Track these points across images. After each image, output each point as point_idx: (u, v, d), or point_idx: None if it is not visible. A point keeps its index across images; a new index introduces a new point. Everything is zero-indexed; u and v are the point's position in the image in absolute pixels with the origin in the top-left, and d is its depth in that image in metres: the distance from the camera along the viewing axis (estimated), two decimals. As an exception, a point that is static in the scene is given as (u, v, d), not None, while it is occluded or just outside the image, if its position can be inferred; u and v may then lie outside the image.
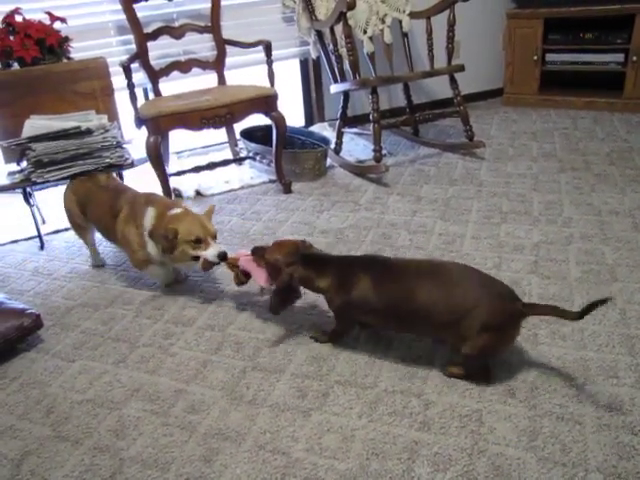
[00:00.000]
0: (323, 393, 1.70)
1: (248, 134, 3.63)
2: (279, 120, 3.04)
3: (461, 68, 3.34)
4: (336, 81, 3.53)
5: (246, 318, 2.10)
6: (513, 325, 1.61)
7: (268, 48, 3.24)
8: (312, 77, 4.11)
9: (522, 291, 2.10)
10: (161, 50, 3.40)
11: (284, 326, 2.03)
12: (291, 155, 3.27)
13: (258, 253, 1.92)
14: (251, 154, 3.53)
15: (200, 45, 3.53)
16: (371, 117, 3.15)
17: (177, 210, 2.15)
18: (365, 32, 3.74)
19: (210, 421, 1.64)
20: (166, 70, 3.34)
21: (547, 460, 1.44)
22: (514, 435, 1.51)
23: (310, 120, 4.20)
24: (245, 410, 1.67)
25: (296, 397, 1.70)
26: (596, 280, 2.14)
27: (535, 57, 4.36)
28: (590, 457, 1.44)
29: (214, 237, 2.14)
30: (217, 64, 3.46)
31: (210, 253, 2.09)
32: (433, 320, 1.63)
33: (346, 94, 3.51)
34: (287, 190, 3.16)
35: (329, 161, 3.50)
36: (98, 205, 2.40)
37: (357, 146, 3.79)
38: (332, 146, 3.55)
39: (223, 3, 3.41)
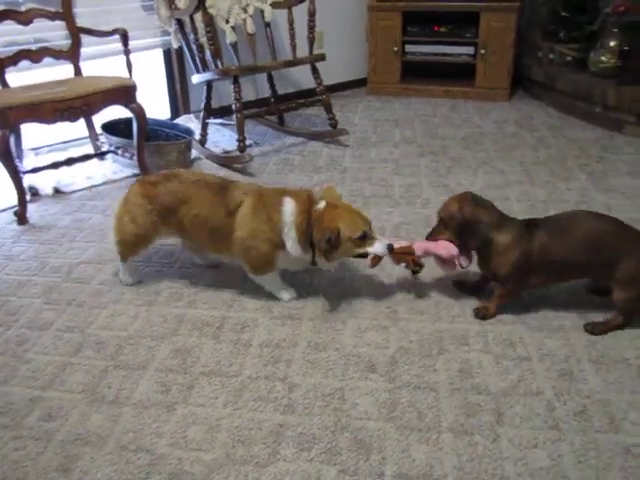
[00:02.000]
0: (188, 386, 1.68)
1: (110, 127, 3.46)
2: (139, 112, 2.93)
3: (322, 57, 3.40)
4: (198, 71, 3.46)
5: (107, 316, 2.01)
6: None
7: (125, 37, 3.11)
8: (176, 68, 4.00)
9: (383, 270, 2.19)
10: (7, 37, 3.15)
11: (147, 322, 1.97)
12: (154, 147, 3.17)
13: (432, 234, 1.95)
14: (113, 148, 3.39)
15: (52, 33, 3.31)
16: (233, 107, 3.12)
17: (322, 204, 1.91)
18: (227, 21, 3.70)
19: (69, 427, 1.56)
20: (13, 59, 3.10)
21: (405, 428, 1.51)
22: (375, 408, 1.57)
23: (175, 112, 4.09)
24: (107, 411, 1.60)
25: (160, 392, 1.66)
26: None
27: (396, 48, 4.53)
28: (443, 419, 1.53)
29: (371, 227, 1.94)
30: (72, 54, 3.27)
31: (379, 248, 1.89)
32: (598, 263, 1.80)
33: (209, 84, 3.46)
34: (152, 184, 3.06)
35: (195, 153, 3.44)
36: (204, 205, 2.00)
37: (223, 137, 3.75)
38: (197, 137, 3.49)
39: (76, -12, 3.22)
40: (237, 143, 3.17)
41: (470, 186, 2.90)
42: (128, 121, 3.11)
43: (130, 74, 3.14)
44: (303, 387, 1.65)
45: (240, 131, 3.14)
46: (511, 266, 1.82)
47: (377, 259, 1.94)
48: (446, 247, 1.90)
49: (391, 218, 2.59)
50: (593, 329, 1.84)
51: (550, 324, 1.89)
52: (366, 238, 1.88)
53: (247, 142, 3.36)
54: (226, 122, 3.92)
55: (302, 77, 4.39)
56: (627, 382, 1.64)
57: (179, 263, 2.33)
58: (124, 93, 2.90)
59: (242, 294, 2.11)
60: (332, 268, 2.02)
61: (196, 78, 3.49)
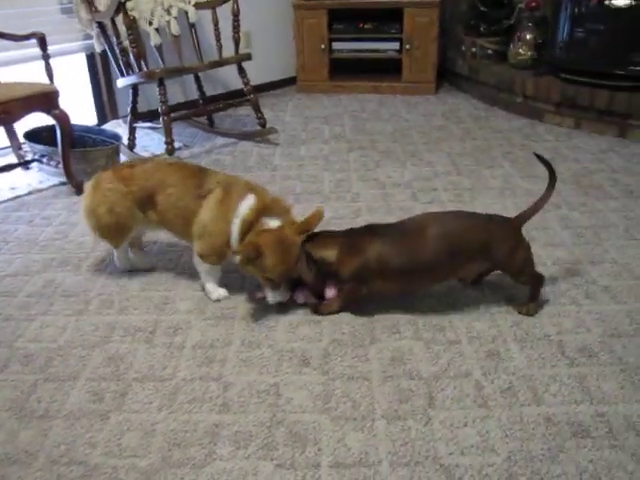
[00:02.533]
0: (121, 393, 1.65)
1: (33, 135, 3.36)
2: (62, 118, 2.86)
3: (248, 57, 3.40)
4: (123, 75, 3.40)
5: (36, 329, 1.95)
6: (521, 235, 1.88)
7: (42, 41, 3.01)
8: (101, 72, 3.91)
9: (315, 266, 2.21)
10: None
11: (78, 331, 1.93)
12: (80, 154, 3.09)
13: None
14: (37, 156, 3.29)
15: (-37, 38, 3.19)
16: (160, 109, 3.09)
17: (275, 223, 1.88)
18: (151, 23, 3.64)
19: (-5, 446, 1.51)
20: None
21: (340, 418, 1.53)
22: (310, 401, 1.59)
23: (103, 117, 4.00)
24: (36, 426, 1.56)
25: (92, 402, 1.63)
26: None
27: (323, 46, 4.57)
28: (377, 407, 1.56)
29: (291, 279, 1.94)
30: (-14, 60, 3.16)
31: (270, 296, 1.92)
32: (463, 258, 1.84)
33: (135, 88, 3.41)
34: (79, 191, 2.98)
35: (123, 158, 3.37)
36: (180, 189, 2.01)
37: (152, 140, 3.69)
38: (125, 142, 3.43)
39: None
40: (165, 146, 3.13)
41: (399, 178, 2.97)
42: (51, 128, 3.03)
43: (51, 80, 3.05)
44: (238, 385, 1.66)
45: (167, 134, 3.11)
46: (349, 273, 1.86)
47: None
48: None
49: (323, 214, 2.62)
50: (528, 310, 1.92)
51: (478, 307, 1.96)
52: (272, 282, 1.89)
53: (177, 144, 3.34)
54: (155, 125, 3.86)
55: (230, 78, 4.37)
56: (548, 357, 1.72)
57: (109, 269, 2.28)
58: (45, 99, 2.82)
59: (174, 297, 2.09)
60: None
61: (121, 82, 3.43)
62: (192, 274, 2.15)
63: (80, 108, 3.82)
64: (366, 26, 4.53)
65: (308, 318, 1.93)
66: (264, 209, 1.90)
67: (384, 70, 4.74)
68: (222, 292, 2.08)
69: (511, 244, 1.84)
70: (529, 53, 4.00)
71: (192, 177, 2.03)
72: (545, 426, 1.48)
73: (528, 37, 4.00)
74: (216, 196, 1.96)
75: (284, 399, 1.60)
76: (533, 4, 3.91)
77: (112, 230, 2.11)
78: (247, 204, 1.90)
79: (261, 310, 1.99)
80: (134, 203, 2.06)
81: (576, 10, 3.60)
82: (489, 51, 4.29)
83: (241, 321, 1.94)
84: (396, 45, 4.49)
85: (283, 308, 1.98)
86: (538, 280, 1.93)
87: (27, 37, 3.07)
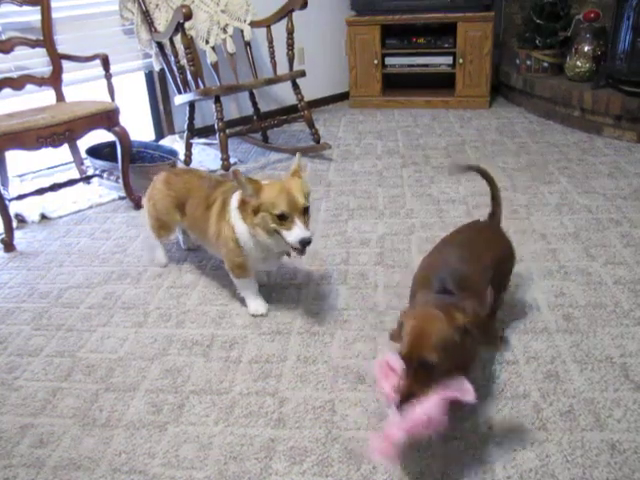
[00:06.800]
0: (179, 405, 1.68)
1: (94, 151, 3.49)
2: (122, 135, 2.96)
3: (302, 74, 3.44)
4: (180, 92, 3.49)
5: (97, 340, 2.02)
6: None
7: (105, 61, 3.13)
8: (158, 89, 4.04)
9: (369, 282, 2.21)
10: (-12, 67, 3.18)
11: (137, 343, 1.98)
12: (139, 169, 3.19)
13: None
14: (98, 172, 3.40)
15: (33, 60, 3.34)
16: (216, 126, 3.16)
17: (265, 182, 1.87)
18: (207, 42, 3.74)
19: (61, 452, 1.56)
20: (-5, 87, 3.13)
21: (395, 437, 1.52)
22: (364, 418, 1.59)
23: (160, 133, 4.12)
24: (99, 434, 1.61)
25: (151, 413, 1.67)
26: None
27: (375, 61, 4.59)
28: (432, 428, 1.54)
29: (303, 212, 1.79)
30: (53, 80, 3.29)
31: (290, 237, 1.77)
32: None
33: (192, 105, 3.50)
34: (137, 206, 3.08)
35: (180, 173, 3.46)
36: (197, 199, 2.12)
37: (208, 156, 3.77)
38: (182, 158, 3.51)
39: (57, 15, 3.26)
40: (221, 162, 3.20)
41: (453, 194, 2.94)
42: (112, 144, 3.13)
43: (112, 98, 3.17)
44: (293, 401, 1.66)
45: (223, 150, 3.18)
46: None
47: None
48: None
49: (376, 229, 2.62)
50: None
51: (535, 326, 1.91)
52: (286, 220, 1.77)
53: (232, 160, 3.40)
54: (210, 141, 3.95)
55: (284, 94, 4.44)
56: (611, 380, 1.66)
57: (167, 283, 2.34)
58: (107, 117, 2.92)
59: (230, 311, 2.12)
60: (271, 266, 2.11)
61: (179, 99, 3.53)
62: (247, 288, 2.18)
63: (139, 124, 3.95)
64: (419, 41, 4.53)
65: (362, 334, 1.93)
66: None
67: (437, 84, 4.72)
68: (261, 308, 2.08)
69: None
70: (587, 65, 3.91)
71: (208, 189, 2.12)
72: (609, 453, 1.43)
73: (586, 49, 3.92)
74: (216, 207, 2.03)
75: (339, 416, 1.60)
76: (592, 15, 3.83)
77: (155, 223, 2.35)
78: (235, 198, 1.94)
79: (316, 325, 2.00)
80: (172, 205, 2.25)
81: (639, 19, 3.50)
82: (544, 64, 4.22)
83: (296, 336, 1.95)
84: (449, 59, 4.47)
85: (339, 324, 1.99)
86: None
87: (92, 58, 3.20)
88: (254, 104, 3.96)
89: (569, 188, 2.96)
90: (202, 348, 1.92)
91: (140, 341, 1.99)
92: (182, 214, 2.24)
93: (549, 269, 2.24)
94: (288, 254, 2.01)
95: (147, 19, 3.55)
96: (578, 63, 3.95)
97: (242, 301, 2.11)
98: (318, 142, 3.62)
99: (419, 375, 1.28)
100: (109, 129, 2.96)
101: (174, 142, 3.91)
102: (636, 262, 2.25)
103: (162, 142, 3.89)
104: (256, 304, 2.08)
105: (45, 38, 3.22)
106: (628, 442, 1.46)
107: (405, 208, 2.82)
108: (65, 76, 3.32)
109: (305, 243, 1.77)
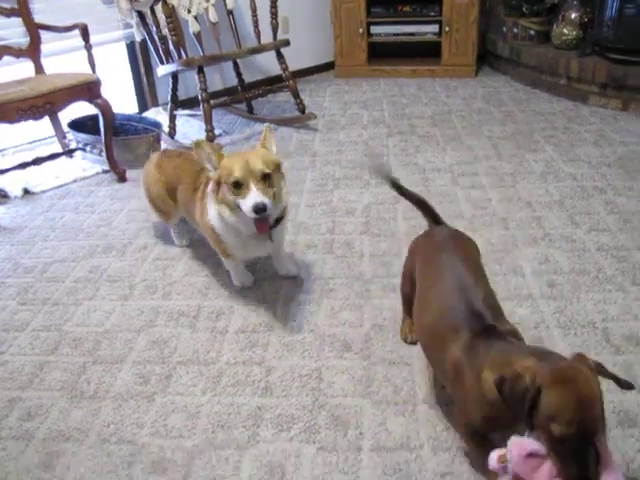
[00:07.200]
0: (166, 376, 1.69)
1: (77, 125, 3.43)
2: (104, 107, 2.92)
3: (286, 43, 3.39)
4: (162, 63, 3.44)
5: (83, 313, 2.01)
6: None
7: (85, 32, 3.07)
8: (141, 61, 3.97)
9: (355, 251, 2.21)
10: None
11: (123, 316, 1.98)
12: (122, 142, 3.16)
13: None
14: (81, 145, 3.36)
15: (9, 30, 3.26)
16: (200, 97, 3.12)
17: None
18: (189, 11, 3.67)
19: (49, 424, 1.56)
20: (-29, 60, 3.06)
21: (381, 402, 1.54)
22: (351, 385, 1.61)
23: (143, 105, 4.06)
24: (87, 406, 1.61)
25: (139, 384, 1.67)
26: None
27: (361, 30, 4.53)
28: (418, 392, 1.56)
29: (260, 178, 1.66)
30: (31, 51, 3.22)
31: (244, 205, 1.65)
32: None
33: (175, 76, 3.44)
34: (121, 179, 3.05)
35: (164, 145, 3.42)
36: (186, 184, 2.05)
37: (192, 128, 3.74)
38: (166, 130, 3.47)
39: (31, -16, 3.17)
40: (205, 133, 3.17)
41: (439, 163, 2.94)
42: (95, 117, 3.09)
43: (93, 69, 3.11)
44: (280, 369, 1.68)
45: (207, 121, 3.14)
46: None
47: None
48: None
49: (362, 199, 2.62)
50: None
51: (520, 293, 1.93)
52: (241, 188, 1.65)
53: (216, 131, 3.37)
54: (194, 113, 3.91)
55: (269, 64, 4.38)
56: (593, 344, 1.69)
57: (152, 255, 2.33)
58: (88, 89, 2.88)
59: (217, 282, 2.12)
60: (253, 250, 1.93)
61: (161, 70, 3.47)
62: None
63: (121, 97, 3.89)
64: (404, 9, 4.47)
65: (348, 303, 1.94)
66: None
67: (423, 53, 4.68)
68: (246, 281, 2.07)
69: None
70: (574, 32, 3.89)
71: (196, 173, 2.01)
72: (590, 414, 1.46)
73: (573, 16, 3.89)
74: (200, 191, 1.95)
75: (326, 383, 1.62)
76: (579, -19, 3.80)
77: (155, 206, 2.29)
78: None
79: (303, 294, 2.01)
80: (165, 190, 2.20)
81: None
82: (531, 32, 4.18)
83: (283, 306, 1.96)
84: (435, 28, 4.42)
85: (325, 293, 2.00)
86: None
87: (70, 28, 3.13)
88: (238, 75, 3.91)
89: (554, 156, 2.96)
90: (189, 319, 1.93)
91: (126, 313, 1.99)
92: (174, 200, 2.17)
93: (534, 236, 2.25)
94: (271, 238, 1.85)
95: (127, -13, 3.47)
96: (565, 31, 3.92)
97: (228, 273, 2.11)
98: (303, 112, 3.58)
99: (591, 454, 1.02)
100: (90, 101, 2.91)
101: (158, 114, 3.86)
102: (619, 229, 2.27)
103: (146, 114, 3.84)
104: (241, 277, 2.08)
105: (20, 7, 3.14)
106: (607, 403, 1.49)
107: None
108: (44, 47, 3.25)
109: (259, 209, 1.61)
